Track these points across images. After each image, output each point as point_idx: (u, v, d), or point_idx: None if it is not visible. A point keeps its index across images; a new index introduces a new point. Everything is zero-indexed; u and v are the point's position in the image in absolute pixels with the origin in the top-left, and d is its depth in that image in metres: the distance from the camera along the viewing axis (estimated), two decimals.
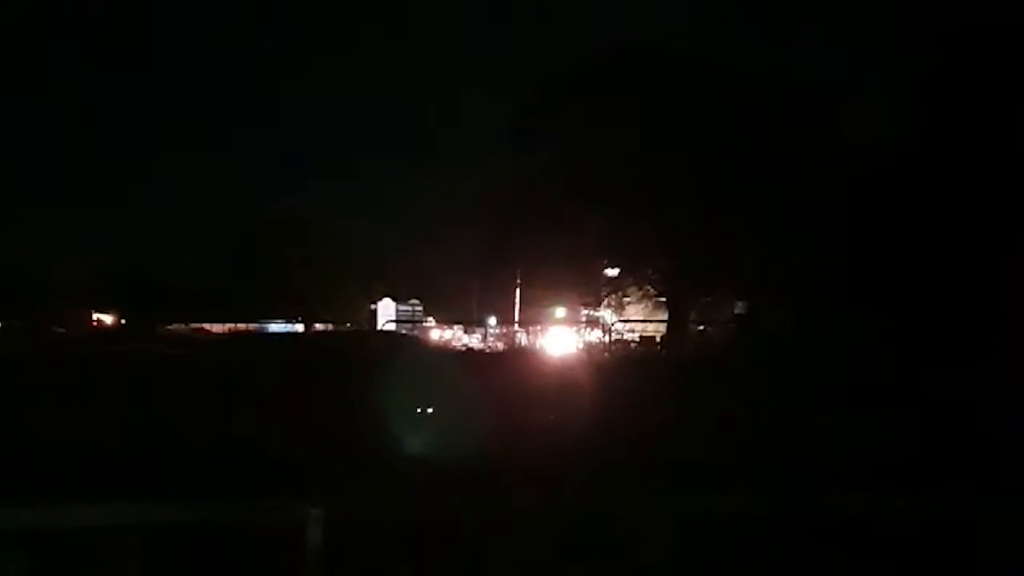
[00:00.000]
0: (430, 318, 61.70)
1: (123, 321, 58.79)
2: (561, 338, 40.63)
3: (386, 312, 59.30)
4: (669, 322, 33.90)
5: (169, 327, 51.75)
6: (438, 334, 55.39)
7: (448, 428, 12.63)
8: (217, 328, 53.03)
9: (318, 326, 55.29)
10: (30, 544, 6.56)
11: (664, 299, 34.50)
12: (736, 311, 33.72)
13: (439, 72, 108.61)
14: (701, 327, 35.24)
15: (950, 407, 13.27)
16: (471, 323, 55.25)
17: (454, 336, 53.87)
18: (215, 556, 6.92)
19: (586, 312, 40.92)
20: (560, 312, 41.76)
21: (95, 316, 59.93)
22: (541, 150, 32.50)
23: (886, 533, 7.40)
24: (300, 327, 56.18)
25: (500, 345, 45.86)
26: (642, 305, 37.20)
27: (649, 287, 35.01)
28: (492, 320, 53.10)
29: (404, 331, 52.77)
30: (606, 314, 39.49)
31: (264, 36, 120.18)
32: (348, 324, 56.07)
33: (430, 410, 13.71)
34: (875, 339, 19.93)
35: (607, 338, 38.34)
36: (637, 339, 38.58)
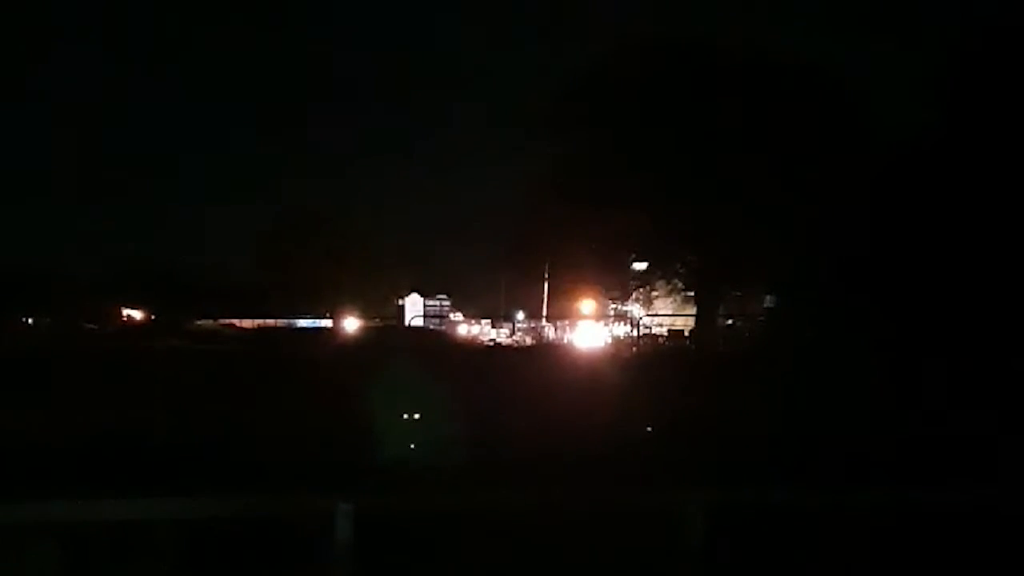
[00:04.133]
0: (458, 313, 61.82)
1: (153, 317, 59.25)
2: (589, 332, 40.61)
3: (414, 307, 59.47)
4: (697, 316, 33.74)
5: (198, 323, 52.13)
6: (466, 329, 55.52)
7: (473, 424, 12.63)
8: (247, 324, 53.31)
9: (347, 321, 55.45)
10: (66, 537, 6.62)
11: (692, 293, 34.32)
12: (765, 305, 33.53)
13: (463, 69, 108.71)
14: (730, 321, 35.07)
15: (983, 405, 13.15)
16: (499, 318, 55.33)
17: (482, 331, 53.98)
18: (245, 550, 6.95)
19: (614, 306, 40.84)
20: (588, 306, 41.73)
21: (125, 312, 60.43)
22: (567, 146, 32.43)
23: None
24: (329, 323, 56.39)
25: (528, 340, 45.94)
26: (670, 299, 37.06)
27: (677, 281, 34.85)
28: (520, 315, 53.18)
29: (432, 326, 52.90)
30: (634, 308, 39.40)
31: (287, 36, 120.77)
32: (377, 320, 56.21)
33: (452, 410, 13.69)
34: (906, 334, 19.78)
35: (635, 332, 38.27)
36: (665, 333, 38.49)
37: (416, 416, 13.24)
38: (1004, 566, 7.23)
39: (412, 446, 11.51)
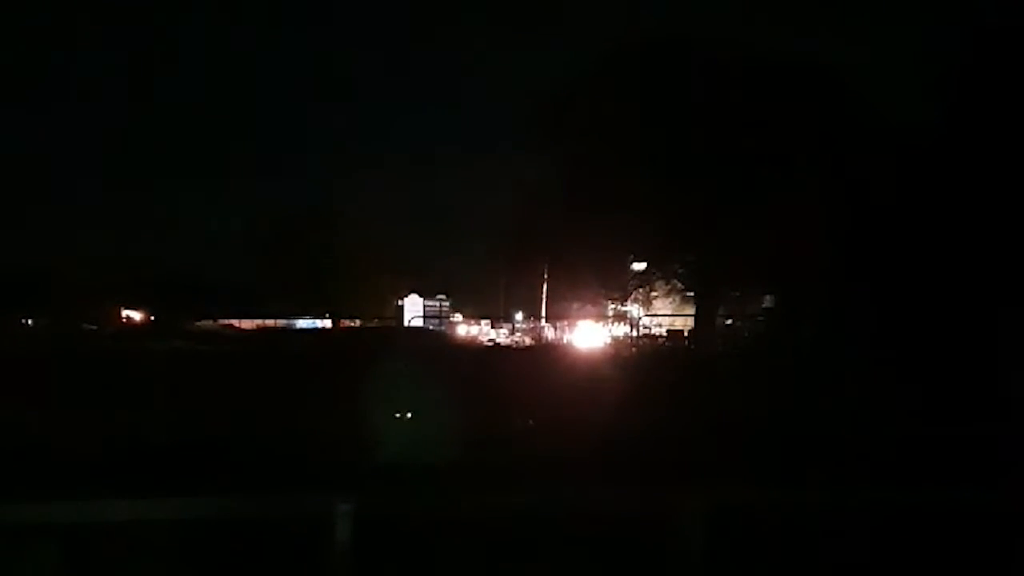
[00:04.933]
0: (457, 314, 61.79)
1: (152, 318, 59.19)
2: (588, 333, 40.58)
3: (413, 308, 59.39)
4: (697, 316, 33.73)
5: (198, 323, 52.08)
6: (465, 329, 55.47)
7: (472, 424, 12.63)
8: (246, 324, 53.23)
9: (346, 322, 55.39)
10: (67, 538, 6.63)
11: (692, 294, 34.31)
12: (764, 305, 33.53)
13: (464, 68, 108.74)
14: (729, 321, 35.06)
15: (986, 404, 13.14)
16: (498, 318, 55.30)
17: (481, 331, 53.94)
18: (244, 550, 6.96)
19: (613, 306, 40.82)
20: (587, 307, 41.72)
21: (124, 313, 60.33)
22: (566, 146, 32.40)
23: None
24: (328, 323, 56.29)
25: (527, 340, 45.90)
26: (669, 299, 37.05)
27: (676, 281, 34.83)
28: (519, 315, 53.16)
29: (431, 327, 52.86)
30: (633, 308, 39.38)
31: (287, 35, 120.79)
32: (376, 320, 56.14)
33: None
34: (905, 333, 19.78)
35: (634, 332, 38.25)
36: (664, 333, 38.47)
37: (416, 416, 13.25)
38: (1006, 566, 7.24)
39: (411, 445, 11.50)
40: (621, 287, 36.81)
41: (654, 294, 37.01)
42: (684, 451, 10.29)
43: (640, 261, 35.10)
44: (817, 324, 23.71)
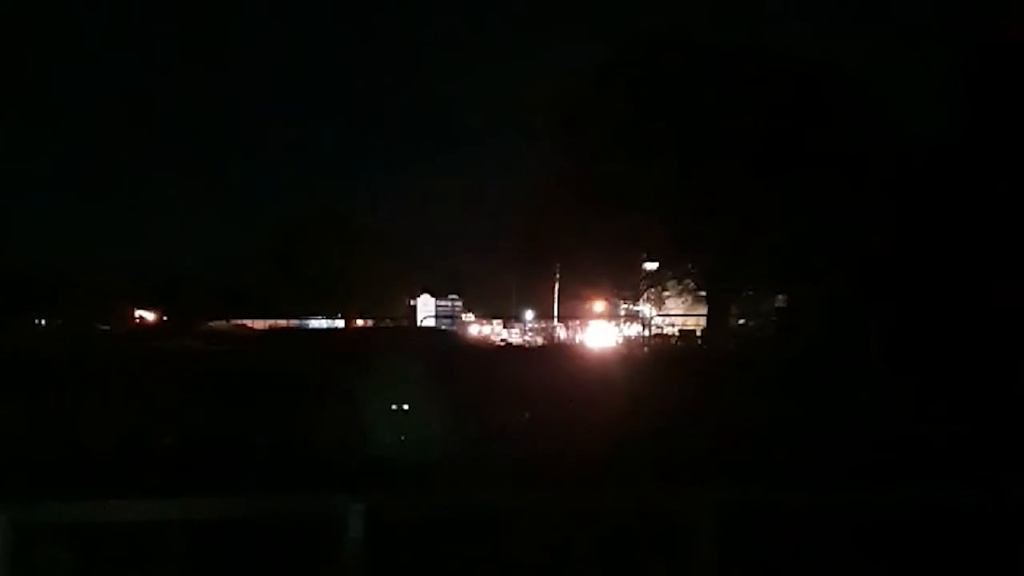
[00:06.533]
0: (469, 313, 61.84)
1: (165, 318, 59.48)
2: (600, 332, 40.57)
3: (425, 308, 59.51)
4: (709, 316, 33.67)
5: (211, 323, 52.28)
6: (477, 329, 55.54)
7: (483, 423, 12.64)
8: (259, 324, 53.40)
9: (358, 322, 55.55)
10: (78, 539, 6.65)
11: (704, 293, 34.25)
12: (777, 304, 33.45)
13: (475, 66, 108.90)
14: (741, 321, 34.98)
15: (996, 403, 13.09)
16: (510, 318, 55.34)
17: (493, 331, 53.99)
18: (256, 551, 6.97)
19: (625, 306, 40.78)
20: (599, 306, 41.69)
21: (137, 313, 60.65)
22: (577, 144, 32.36)
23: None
24: (341, 323, 56.45)
25: (539, 340, 45.93)
26: (681, 299, 36.99)
27: (688, 281, 34.78)
28: (530, 315, 53.20)
29: (443, 327, 52.97)
30: (645, 308, 39.33)
31: (291, 36, 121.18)
32: (388, 320, 56.29)
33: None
34: (915, 332, 19.74)
35: (646, 332, 38.21)
36: (677, 333, 38.41)
37: (425, 416, 13.25)
38: (1009, 566, 7.21)
39: (419, 445, 11.49)
40: (633, 287, 36.77)
41: (666, 294, 36.94)
42: (695, 450, 10.28)
43: (652, 261, 35.05)
44: (830, 324, 23.64)
